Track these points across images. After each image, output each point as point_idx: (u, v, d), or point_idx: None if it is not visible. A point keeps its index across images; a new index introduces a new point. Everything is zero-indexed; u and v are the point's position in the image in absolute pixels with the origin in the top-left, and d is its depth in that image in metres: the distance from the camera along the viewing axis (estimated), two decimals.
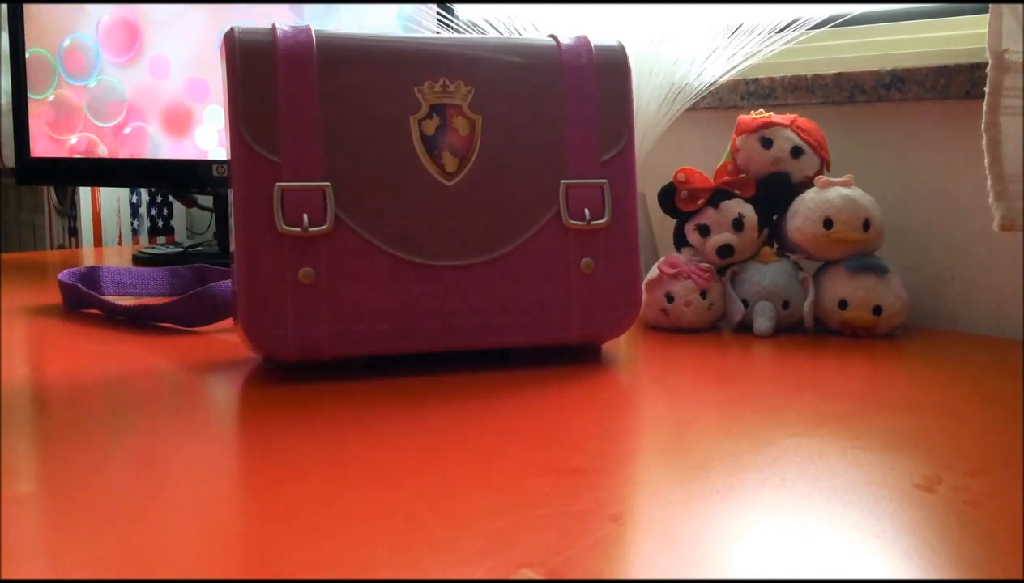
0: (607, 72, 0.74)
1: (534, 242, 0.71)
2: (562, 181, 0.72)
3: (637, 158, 1.02)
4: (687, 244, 0.89)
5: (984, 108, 0.75)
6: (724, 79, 1.00)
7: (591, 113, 0.73)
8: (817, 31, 0.99)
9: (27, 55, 1.19)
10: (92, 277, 1.01)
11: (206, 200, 1.42)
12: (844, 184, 0.85)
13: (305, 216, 0.66)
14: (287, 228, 0.66)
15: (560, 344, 0.73)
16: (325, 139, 0.68)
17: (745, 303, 0.85)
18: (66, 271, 0.98)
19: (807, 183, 0.87)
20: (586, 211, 0.72)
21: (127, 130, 1.21)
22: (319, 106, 0.68)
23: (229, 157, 0.68)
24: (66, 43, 1.20)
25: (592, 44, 0.75)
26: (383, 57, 0.70)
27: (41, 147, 1.21)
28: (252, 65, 0.67)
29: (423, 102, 0.69)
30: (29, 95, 1.20)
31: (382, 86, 0.69)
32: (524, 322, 0.71)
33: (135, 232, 1.97)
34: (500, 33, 1.05)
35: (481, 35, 0.75)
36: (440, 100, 0.69)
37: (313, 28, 0.70)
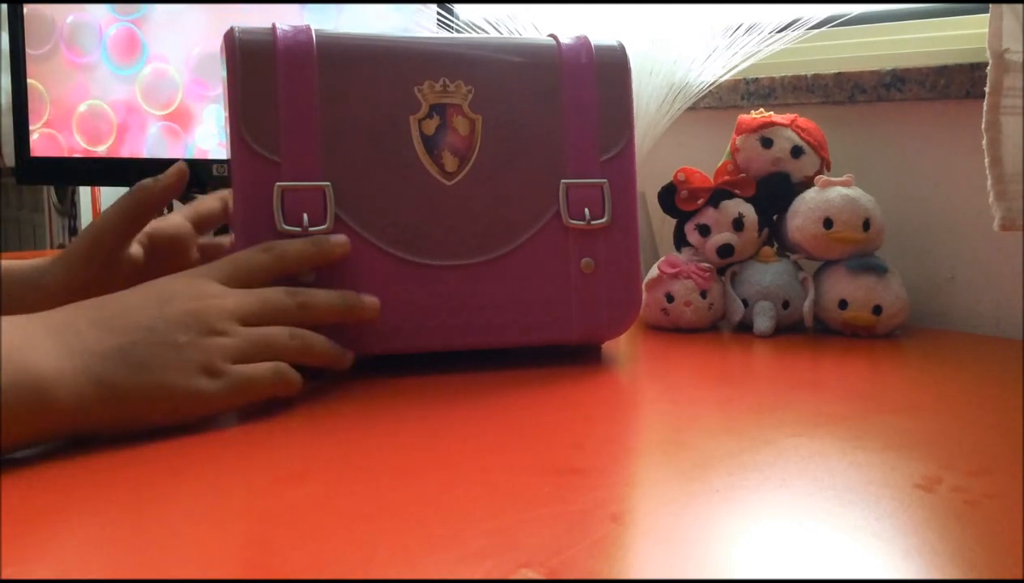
0: (607, 72, 0.74)
1: (534, 242, 0.71)
2: (562, 181, 0.72)
3: (637, 158, 1.02)
4: (687, 244, 0.89)
5: (984, 108, 0.75)
6: (724, 79, 1.00)
7: (591, 113, 0.73)
8: (817, 31, 0.99)
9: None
10: None
11: None
12: (844, 184, 0.85)
13: (305, 216, 0.66)
14: (287, 228, 0.66)
15: (560, 344, 0.73)
16: (325, 139, 0.68)
17: (745, 303, 0.85)
18: None
19: (807, 183, 0.88)
20: (586, 211, 0.72)
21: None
22: (319, 106, 0.68)
23: (229, 157, 0.68)
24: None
25: (592, 44, 0.74)
26: (383, 57, 0.70)
27: (41, 147, 1.21)
28: (252, 65, 0.67)
29: (423, 102, 0.69)
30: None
31: (382, 86, 0.69)
32: (524, 322, 0.71)
33: None
34: (500, 33, 1.05)
35: (481, 35, 0.75)
36: (440, 100, 0.69)
37: (313, 28, 0.70)
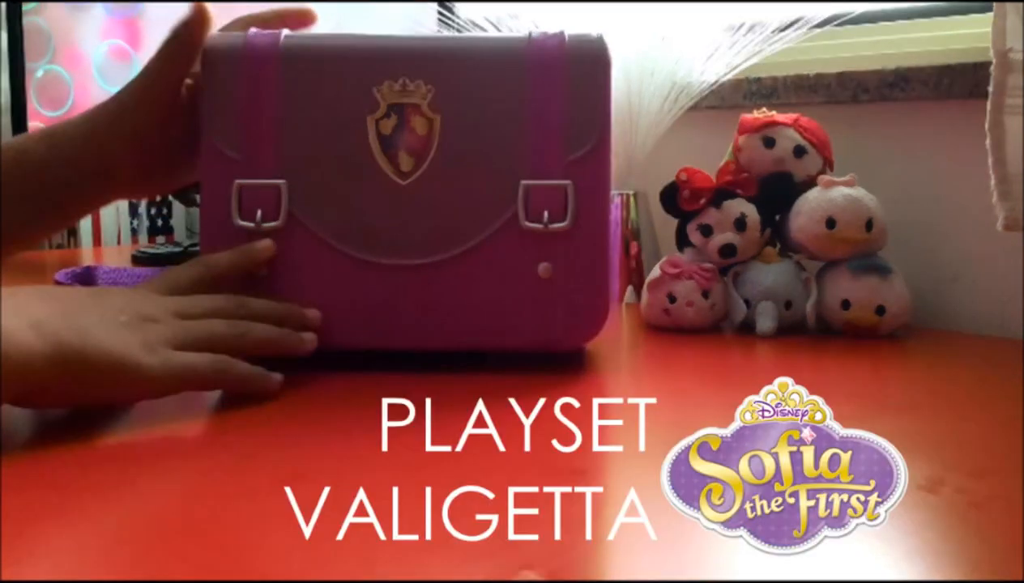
0: (581, 65, 0.70)
1: (489, 244, 0.69)
2: (522, 182, 0.69)
3: (638, 158, 1.01)
4: (689, 244, 0.88)
5: (988, 108, 0.75)
6: (726, 78, 1.00)
7: (558, 109, 0.69)
8: (820, 30, 0.98)
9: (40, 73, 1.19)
10: (88, 277, 1.00)
11: None
12: (847, 184, 0.84)
13: (259, 212, 0.67)
14: (241, 223, 0.67)
15: (511, 350, 0.70)
16: (283, 138, 0.68)
17: (747, 303, 0.85)
18: (62, 271, 0.98)
19: (810, 183, 0.87)
20: (545, 213, 0.68)
21: None
22: (279, 105, 0.68)
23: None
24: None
25: (566, 36, 0.71)
26: (344, 58, 0.70)
27: None
28: (220, 66, 0.69)
29: (381, 102, 0.68)
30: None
31: (341, 86, 0.69)
32: (474, 325, 0.69)
33: (134, 232, 1.97)
34: (500, 32, 1.05)
35: (451, 33, 0.74)
36: (399, 100, 0.68)
37: (285, 32, 0.70)
